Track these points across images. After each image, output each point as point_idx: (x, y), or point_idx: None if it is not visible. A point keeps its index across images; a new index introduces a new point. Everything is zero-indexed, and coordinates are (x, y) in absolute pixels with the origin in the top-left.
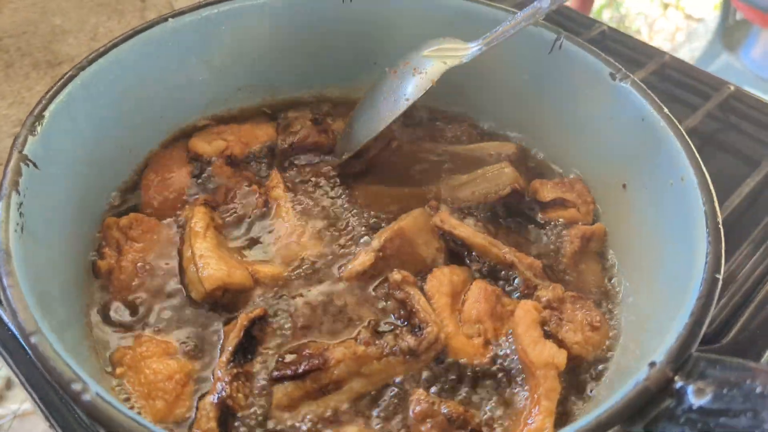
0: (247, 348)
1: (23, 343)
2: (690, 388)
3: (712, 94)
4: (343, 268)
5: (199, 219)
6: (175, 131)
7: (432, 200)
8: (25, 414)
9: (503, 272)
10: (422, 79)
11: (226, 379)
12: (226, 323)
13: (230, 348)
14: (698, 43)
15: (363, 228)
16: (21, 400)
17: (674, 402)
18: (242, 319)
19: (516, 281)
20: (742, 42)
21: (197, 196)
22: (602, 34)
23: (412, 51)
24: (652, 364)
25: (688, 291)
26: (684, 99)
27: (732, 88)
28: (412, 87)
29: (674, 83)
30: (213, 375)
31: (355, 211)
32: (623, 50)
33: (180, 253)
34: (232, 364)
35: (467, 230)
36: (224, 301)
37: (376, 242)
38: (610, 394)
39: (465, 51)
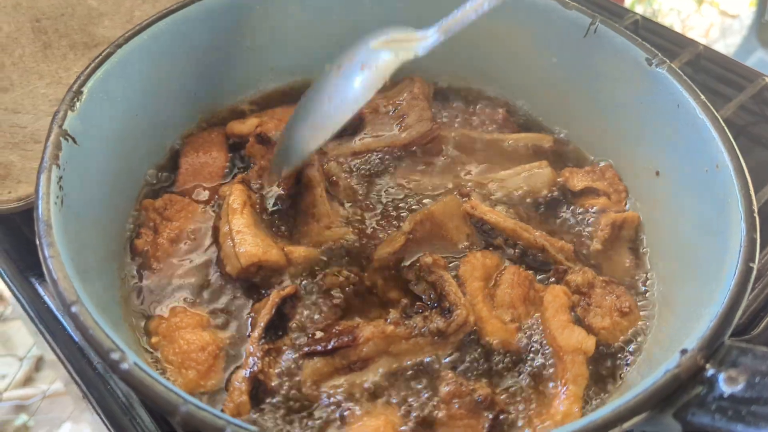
0: (277, 325)
1: (63, 312)
2: (721, 376)
3: (746, 86)
4: (373, 250)
5: (237, 196)
6: (206, 114)
7: (463, 188)
8: (56, 394)
9: (533, 258)
10: (372, 76)
11: (258, 354)
12: (257, 300)
13: (262, 324)
14: (733, 39)
15: (395, 211)
16: (50, 381)
17: (705, 389)
18: (274, 296)
19: (547, 266)
20: None
21: (235, 173)
22: (635, 23)
23: (356, 44)
24: (684, 352)
25: (721, 279)
26: (717, 90)
27: (767, 80)
28: (360, 86)
29: (708, 74)
30: (245, 350)
31: (388, 195)
32: (657, 40)
33: (216, 229)
34: (263, 340)
35: (498, 215)
36: (257, 278)
37: (407, 225)
38: (639, 381)
39: (419, 41)
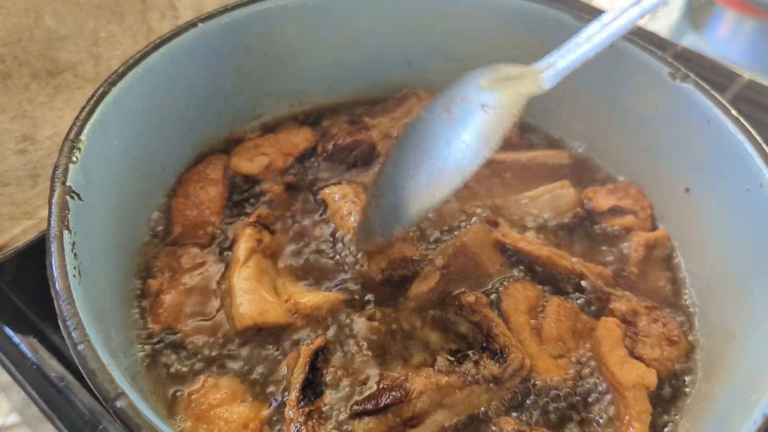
0: (314, 381)
1: (108, 406)
2: None
3: (727, 85)
4: (407, 287)
5: (243, 243)
6: (204, 145)
7: (489, 215)
8: (12, 427)
9: (569, 285)
10: (498, 115)
11: (300, 420)
12: (284, 354)
13: (298, 385)
14: (662, 22)
15: (424, 244)
16: (5, 413)
17: None
18: (305, 352)
19: (586, 294)
20: (708, 21)
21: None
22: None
23: (460, 84)
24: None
25: None
26: None
27: (746, 78)
28: (486, 128)
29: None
30: (285, 417)
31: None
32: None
33: (223, 278)
34: (302, 402)
35: (531, 243)
36: (265, 334)
37: (440, 259)
38: (711, 420)
39: (539, 73)
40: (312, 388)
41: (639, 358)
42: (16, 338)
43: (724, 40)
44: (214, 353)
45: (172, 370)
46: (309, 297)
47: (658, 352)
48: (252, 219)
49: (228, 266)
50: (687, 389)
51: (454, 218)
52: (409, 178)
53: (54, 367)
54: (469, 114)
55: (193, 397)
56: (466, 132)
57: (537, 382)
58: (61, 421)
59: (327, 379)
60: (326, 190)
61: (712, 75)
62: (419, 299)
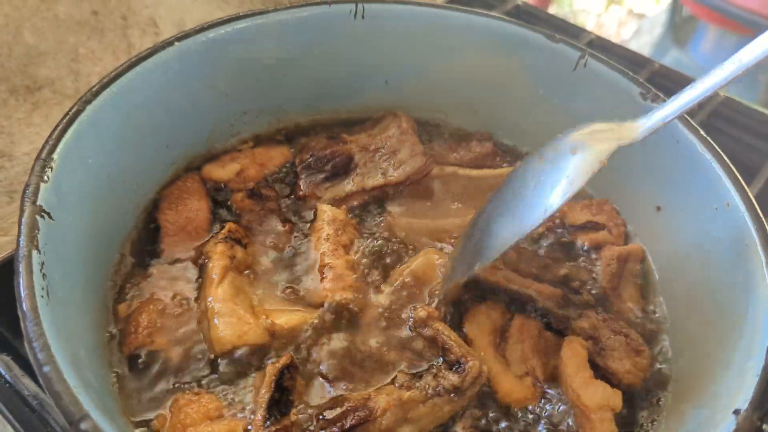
0: (280, 400)
1: (70, 429)
2: None
3: (703, 103)
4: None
5: (216, 261)
6: (180, 163)
7: (446, 239)
8: None
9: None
10: (584, 158)
11: None
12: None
13: (264, 404)
14: (645, 39)
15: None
16: None
17: None
18: (270, 371)
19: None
20: (691, 37)
21: (221, 226)
22: (590, 43)
23: (556, 139)
24: (737, 412)
25: (756, 329)
26: None
27: (722, 95)
28: (573, 169)
29: (666, 92)
30: None
31: (382, 246)
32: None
33: (199, 298)
34: (269, 422)
35: (484, 270)
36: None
37: (388, 289)
38: None
39: (630, 127)
40: (278, 407)
41: (613, 373)
42: None
43: (706, 56)
44: (188, 372)
45: (146, 390)
46: (286, 318)
47: (629, 364)
48: (222, 235)
49: (202, 285)
50: (655, 408)
51: (427, 236)
52: (497, 216)
53: (27, 385)
54: (558, 158)
55: (168, 416)
56: (554, 173)
57: (503, 402)
58: None
59: (294, 397)
60: (323, 206)
61: (621, 61)
62: (371, 323)
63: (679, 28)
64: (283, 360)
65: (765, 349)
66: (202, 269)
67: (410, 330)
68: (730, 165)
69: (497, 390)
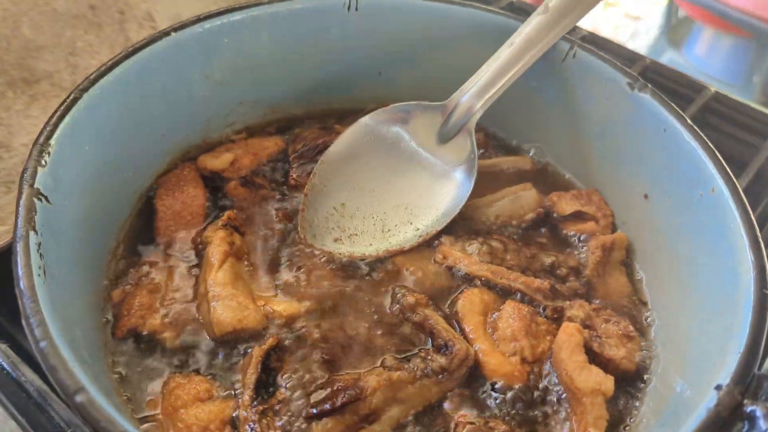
0: (267, 381)
1: (67, 400)
2: (758, 411)
3: (694, 97)
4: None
5: (217, 246)
6: (176, 152)
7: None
8: None
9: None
10: None
11: (254, 418)
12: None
13: (251, 385)
14: (641, 41)
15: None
16: None
17: (746, 426)
18: (257, 352)
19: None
20: (686, 39)
21: (220, 214)
22: (582, 39)
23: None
24: (719, 387)
25: (738, 308)
26: None
27: (713, 90)
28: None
29: (656, 87)
30: (238, 417)
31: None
32: (603, 55)
33: (197, 282)
34: (256, 402)
35: (470, 264)
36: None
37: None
38: (662, 419)
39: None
40: (266, 388)
41: (610, 360)
42: None
43: (702, 57)
44: (180, 355)
45: (140, 371)
46: (284, 306)
47: (624, 350)
48: (222, 221)
49: (201, 270)
50: (641, 391)
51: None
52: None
53: (25, 372)
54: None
55: (159, 397)
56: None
57: (490, 380)
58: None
59: (281, 378)
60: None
61: (679, 87)
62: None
63: (674, 29)
64: (270, 342)
65: (747, 327)
66: (200, 255)
67: (399, 315)
68: (715, 151)
69: (484, 366)
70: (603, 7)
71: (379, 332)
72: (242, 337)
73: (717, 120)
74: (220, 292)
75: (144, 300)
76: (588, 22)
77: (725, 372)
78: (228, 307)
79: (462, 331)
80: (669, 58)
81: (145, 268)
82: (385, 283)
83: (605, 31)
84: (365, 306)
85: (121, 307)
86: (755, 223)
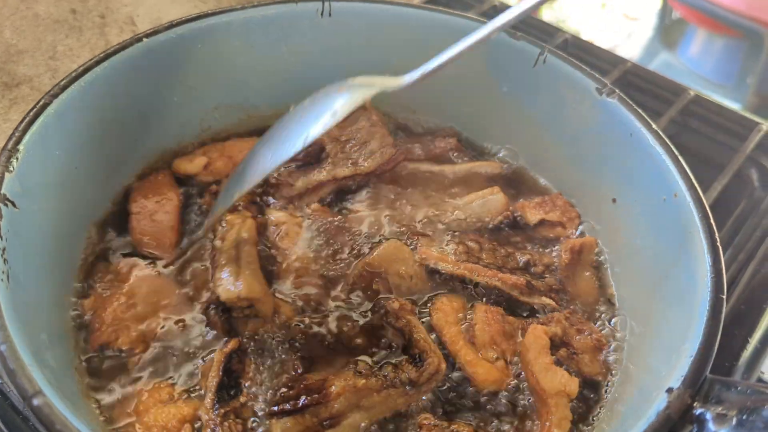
0: (229, 384)
1: (23, 405)
2: (709, 414)
3: (673, 100)
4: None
5: (249, 227)
6: (150, 157)
7: (410, 233)
8: None
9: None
10: (352, 95)
11: (216, 421)
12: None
13: (212, 389)
14: (636, 42)
15: (352, 251)
16: None
17: (696, 429)
18: (218, 356)
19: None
20: (680, 40)
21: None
22: (565, 42)
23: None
24: (670, 390)
25: (694, 312)
26: (648, 105)
27: (692, 93)
28: (336, 103)
29: (637, 90)
30: (201, 421)
31: (344, 235)
32: (586, 58)
33: (216, 251)
34: (217, 405)
35: (448, 263)
36: (239, 314)
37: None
38: (621, 420)
39: (398, 80)
40: (227, 390)
41: (587, 376)
42: None
43: (695, 58)
44: (147, 358)
45: (105, 375)
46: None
47: (597, 365)
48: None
49: (222, 238)
50: (606, 391)
51: (386, 229)
52: (262, 147)
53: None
54: (326, 97)
55: (125, 399)
56: (319, 108)
57: (482, 389)
58: None
59: (244, 381)
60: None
61: (660, 90)
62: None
63: (668, 31)
64: (231, 345)
65: (701, 331)
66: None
67: (381, 319)
68: (679, 157)
69: (473, 376)
70: (602, 6)
71: (357, 333)
72: (249, 311)
73: (697, 122)
74: (254, 263)
75: (115, 314)
76: (584, 23)
77: (677, 375)
78: (257, 280)
79: (442, 344)
80: (663, 59)
81: (117, 276)
82: (365, 283)
83: (601, 33)
84: (346, 309)
85: (93, 319)
86: (715, 228)
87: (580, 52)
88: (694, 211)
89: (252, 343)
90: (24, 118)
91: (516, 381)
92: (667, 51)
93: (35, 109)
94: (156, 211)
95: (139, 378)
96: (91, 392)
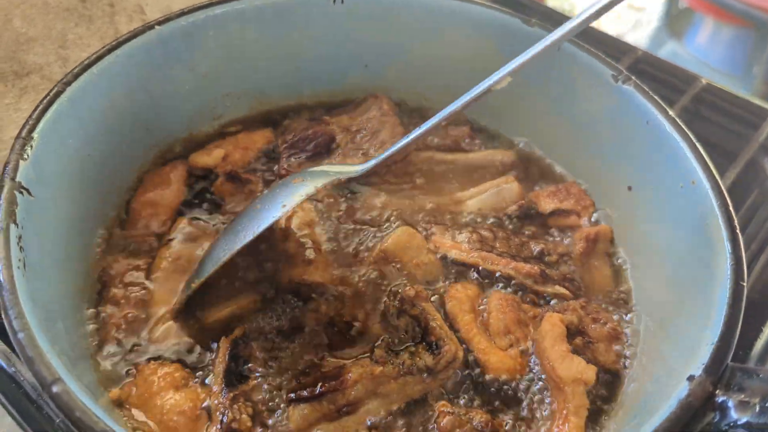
0: (237, 369)
1: (42, 391)
2: (731, 402)
3: (685, 89)
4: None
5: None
6: (162, 146)
7: (423, 220)
8: None
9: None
10: (305, 185)
11: (226, 404)
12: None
13: (220, 374)
14: (643, 31)
15: (366, 239)
16: None
17: (717, 416)
18: (223, 343)
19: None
20: (687, 29)
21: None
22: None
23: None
24: (691, 378)
25: (713, 299)
26: (660, 93)
27: (704, 81)
28: (286, 194)
29: (649, 78)
30: (210, 406)
31: (356, 225)
32: (596, 46)
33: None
34: (226, 390)
35: (461, 252)
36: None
37: (365, 266)
38: (640, 407)
39: (354, 168)
40: (236, 376)
41: (603, 365)
42: None
43: (702, 47)
44: (159, 346)
45: (121, 362)
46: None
47: (613, 354)
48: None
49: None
50: (622, 381)
51: (400, 217)
52: (221, 238)
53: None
54: (283, 187)
55: (138, 385)
56: (274, 198)
57: (490, 376)
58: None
59: (252, 365)
60: None
61: (672, 78)
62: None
63: (675, 20)
64: (236, 332)
65: (722, 319)
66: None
67: (397, 307)
68: (696, 144)
69: (487, 364)
70: None
71: (374, 321)
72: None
73: (708, 111)
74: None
75: (122, 309)
76: (589, 12)
77: (698, 363)
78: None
79: (456, 332)
80: (670, 48)
81: (126, 266)
82: (379, 271)
83: (607, 22)
84: (363, 295)
85: (105, 307)
86: (734, 215)
87: (590, 40)
88: (713, 198)
89: (264, 330)
90: (37, 106)
91: (531, 369)
92: (674, 40)
93: (48, 97)
94: (154, 207)
95: (154, 362)
96: (108, 381)
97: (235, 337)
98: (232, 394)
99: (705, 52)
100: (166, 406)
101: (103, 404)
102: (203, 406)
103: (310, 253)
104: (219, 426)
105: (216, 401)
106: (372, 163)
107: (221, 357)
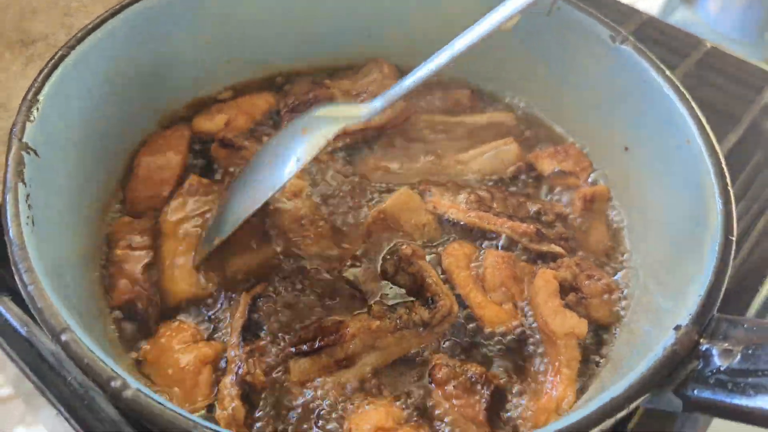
0: (253, 325)
1: (53, 341)
2: (715, 350)
3: (690, 52)
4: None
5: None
6: (165, 110)
7: (422, 182)
8: (3, 399)
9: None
10: (315, 137)
11: (242, 357)
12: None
13: (238, 328)
14: None
15: (365, 201)
16: None
17: (701, 364)
18: (244, 298)
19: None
20: None
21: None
22: None
23: (291, 122)
24: (678, 328)
25: (703, 253)
26: (663, 58)
27: (708, 45)
28: (301, 147)
29: (653, 43)
30: (227, 357)
31: (357, 185)
32: (602, 11)
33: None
34: (243, 343)
35: (459, 212)
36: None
37: (363, 228)
38: (629, 358)
39: (361, 110)
40: (252, 331)
41: (596, 320)
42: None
43: (714, 14)
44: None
45: (131, 317)
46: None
47: (607, 309)
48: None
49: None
50: (612, 335)
51: (400, 180)
52: (236, 193)
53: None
54: (290, 138)
55: (150, 341)
56: (285, 152)
57: (486, 329)
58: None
59: (268, 323)
60: None
61: (675, 42)
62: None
63: None
64: (258, 288)
65: (710, 271)
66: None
67: (394, 265)
68: (692, 102)
69: (481, 318)
70: None
71: (372, 279)
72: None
73: (712, 75)
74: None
75: (131, 273)
76: None
77: (685, 313)
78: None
79: (453, 288)
80: (681, 15)
81: (131, 228)
82: (378, 231)
83: None
84: (360, 256)
85: (110, 277)
86: (726, 171)
87: (598, 4)
88: (706, 155)
89: (273, 288)
90: (42, 69)
91: (525, 323)
92: (686, 7)
93: (53, 60)
94: (154, 175)
95: (163, 322)
96: (119, 340)
97: (256, 293)
98: (248, 348)
99: (717, 20)
100: (177, 359)
101: (114, 355)
102: (212, 362)
103: (304, 228)
104: (234, 377)
105: (233, 352)
106: (380, 102)
107: (241, 311)
